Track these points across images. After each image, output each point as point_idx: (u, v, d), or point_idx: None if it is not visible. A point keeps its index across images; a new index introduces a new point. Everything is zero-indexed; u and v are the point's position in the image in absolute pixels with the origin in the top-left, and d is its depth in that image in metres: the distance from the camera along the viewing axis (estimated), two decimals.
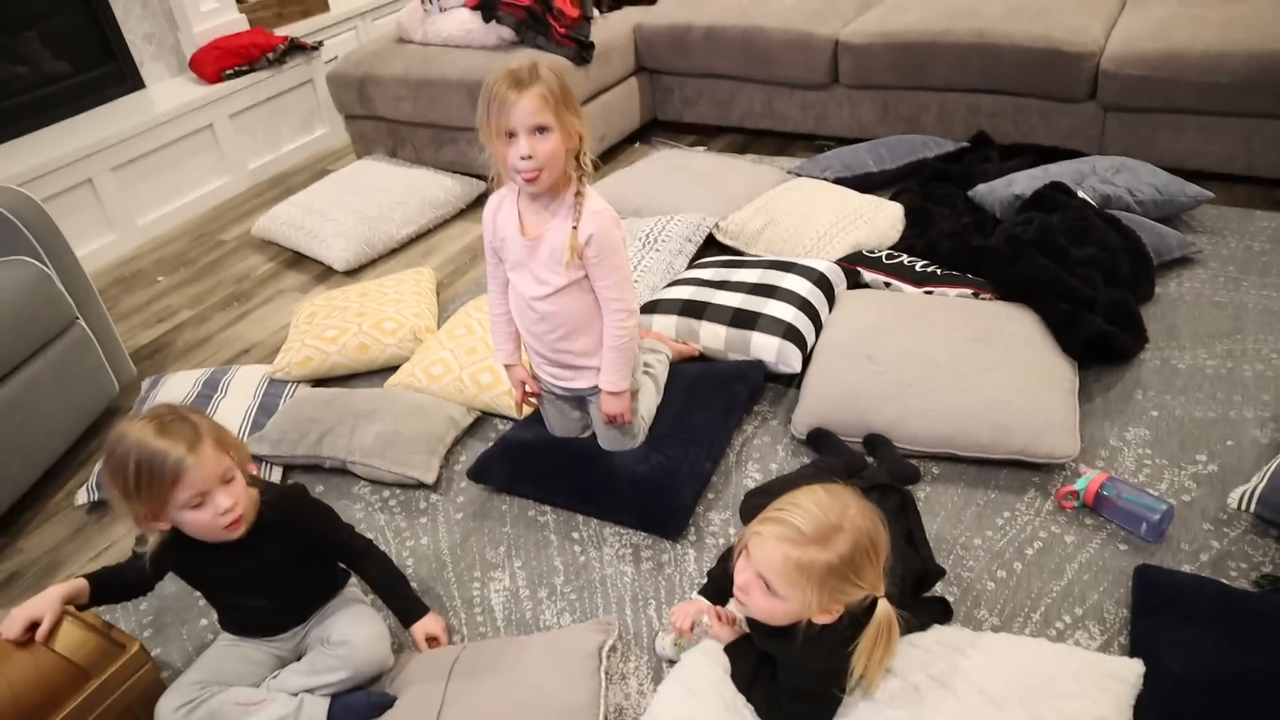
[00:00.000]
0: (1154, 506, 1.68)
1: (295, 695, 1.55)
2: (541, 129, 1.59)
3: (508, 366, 1.94)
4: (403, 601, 1.65)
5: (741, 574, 1.33)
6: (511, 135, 1.60)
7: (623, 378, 1.82)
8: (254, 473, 1.59)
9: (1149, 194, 2.55)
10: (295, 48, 3.92)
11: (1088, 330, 2.05)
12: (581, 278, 1.74)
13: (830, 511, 1.26)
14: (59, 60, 3.59)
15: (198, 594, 1.85)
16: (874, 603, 1.29)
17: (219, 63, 3.74)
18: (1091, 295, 2.13)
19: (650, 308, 2.27)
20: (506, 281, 1.84)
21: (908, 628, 1.41)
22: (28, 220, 2.25)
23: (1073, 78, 2.81)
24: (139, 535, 1.47)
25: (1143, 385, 2.06)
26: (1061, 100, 2.90)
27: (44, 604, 1.49)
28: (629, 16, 3.49)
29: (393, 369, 2.39)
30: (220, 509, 1.41)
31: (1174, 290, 2.36)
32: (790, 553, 1.25)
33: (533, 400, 1.97)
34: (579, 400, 1.94)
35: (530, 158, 1.60)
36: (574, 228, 1.68)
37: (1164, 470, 1.84)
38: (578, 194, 1.69)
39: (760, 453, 2.02)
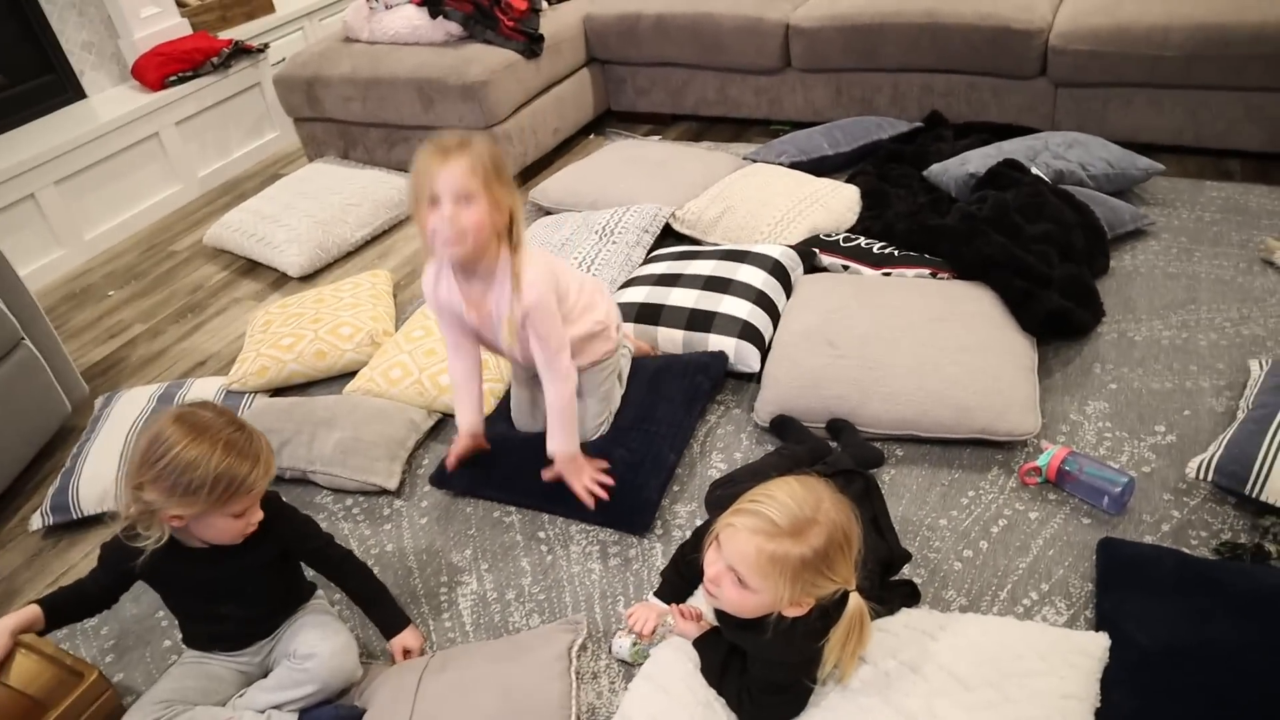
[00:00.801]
0: (1115, 479, 1.69)
1: (263, 712, 1.52)
2: (467, 197, 1.55)
3: (469, 434, 1.90)
4: (384, 613, 1.64)
5: (712, 566, 1.31)
6: (434, 202, 1.56)
7: (572, 439, 1.78)
8: None
9: (1101, 168, 2.57)
10: (240, 51, 3.85)
11: (1045, 306, 2.06)
12: None
13: (804, 504, 1.25)
14: None
15: (160, 614, 1.82)
16: (845, 595, 1.28)
17: (162, 69, 3.66)
18: (1047, 271, 2.14)
19: None
20: (460, 344, 1.83)
21: (876, 614, 1.41)
22: None
23: (1022, 55, 2.83)
24: (128, 532, 1.45)
25: (1101, 359, 2.08)
26: (1012, 78, 2.91)
27: None
28: (578, 7, 3.46)
29: (352, 374, 2.35)
30: (252, 520, 1.46)
31: (1129, 263, 2.38)
32: (764, 545, 1.24)
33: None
34: None
35: (451, 222, 1.55)
36: (511, 309, 1.67)
37: (1124, 442, 1.85)
38: (514, 272, 1.65)
39: (724, 442, 2.01)
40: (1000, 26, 2.81)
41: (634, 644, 1.56)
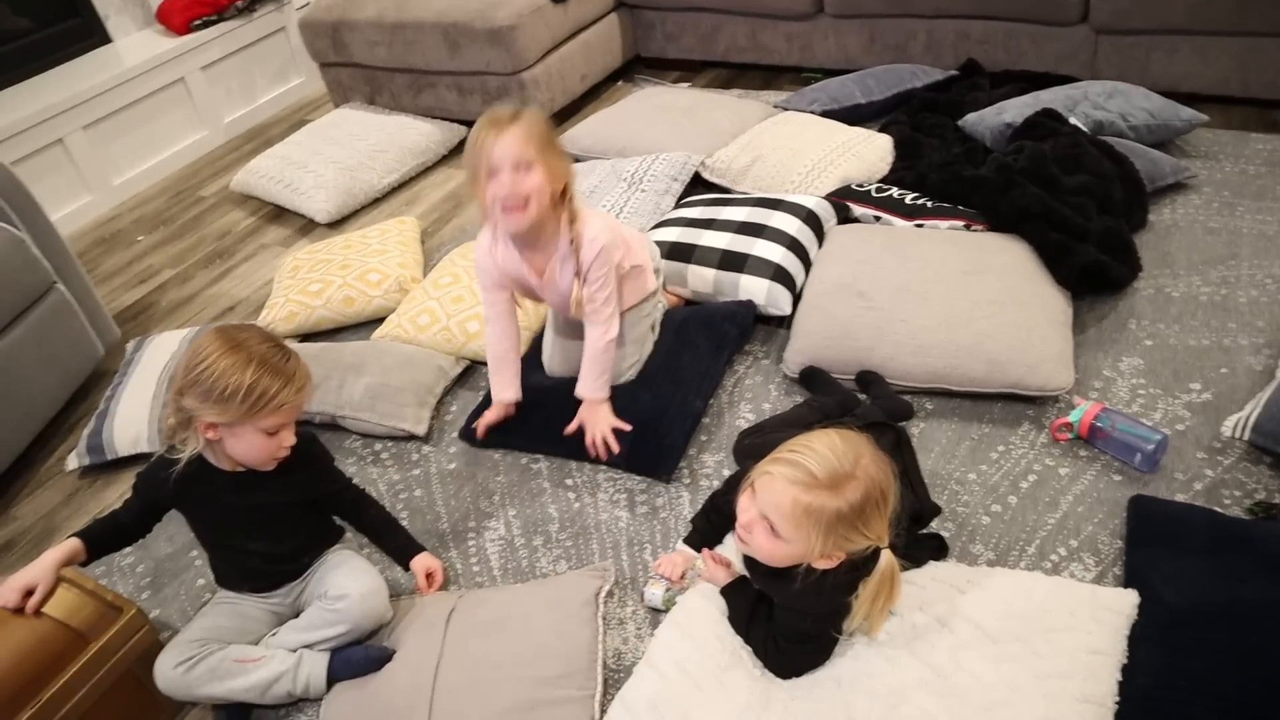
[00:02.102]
0: (1148, 437, 1.67)
1: (294, 651, 1.55)
2: (524, 165, 1.60)
3: (505, 405, 1.93)
4: (399, 540, 1.68)
5: (745, 513, 1.31)
6: (493, 173, 1.60)
7: (603, 385, 1.83)
8: None
9: (1142, 119, 2.50)
10: None
11: (1081, 260, 2.02)
12: None
13: (844, 458, 1.24)
14: (19, 16, 3.48)
15: (194, 553, 1.85)
16: (876, 551, 1.28)
17: (187, 12, 3.63)
18: (1084, 224, 2.10)
19: None
20: (503, 313, 1.86)
21: (904, 568, 1.41)
22: None
23: (1063, 0, 2.75)
24: (168, 447, 1.51)
25: (1137, 314, 2.04)
26: (1052, 24, 2.83)
27: (38, 571, 1.49)
28: None
29: (379, 321, 2.36)
30: (285, 443, 1.48)
31: (1168, 217, 2.33)
32: (800, 496, 1.23)
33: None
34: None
35: (513, 192, 1.60)
36: (576, 275, 1.72)
37: (1158, 400, 1.83)
38: (572, 240, 1.71)
39: (752, 392, 2.00)
40: None
41: (666, 590, 1.57)
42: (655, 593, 1.58)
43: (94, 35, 3.68)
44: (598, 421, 1.82)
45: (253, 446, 1.46)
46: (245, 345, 1.44)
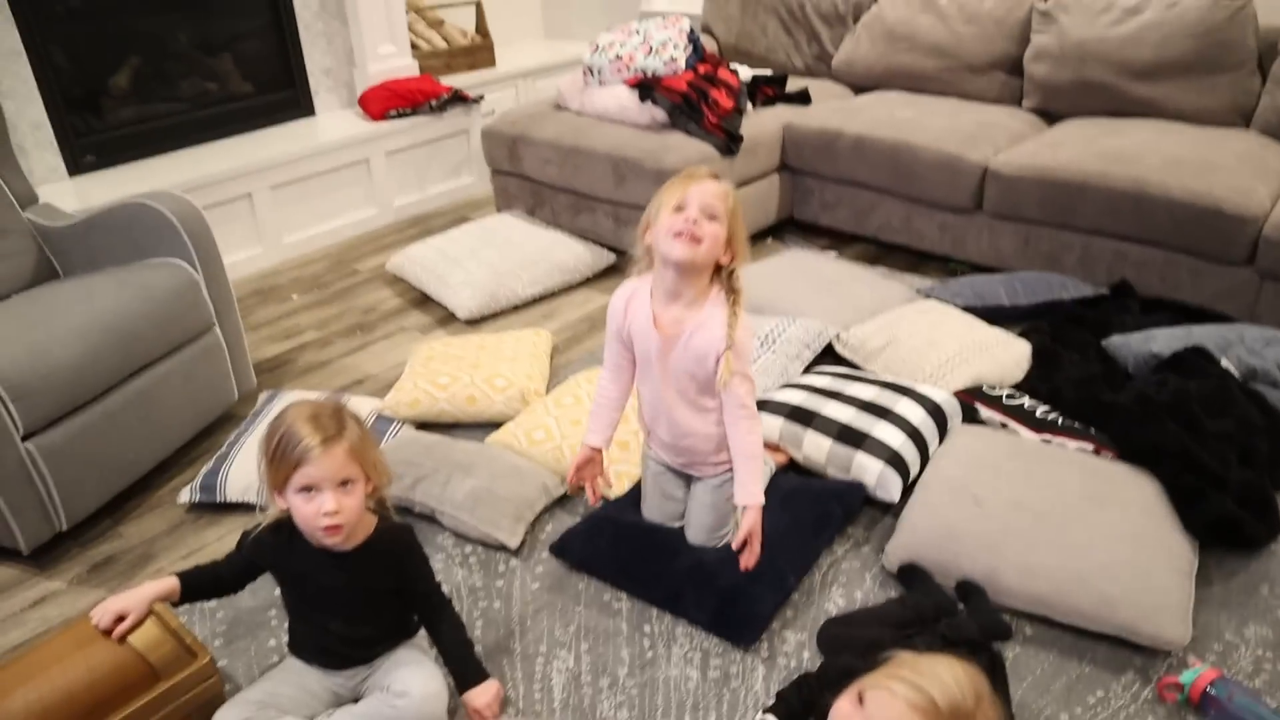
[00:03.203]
0: (1269, 719, 1.55)
1: None
2: (712, 214, 1.64)
3: (592, 448, 1.92)
4: (464, 665, 1.64)
5: (848, 719, 1.26)
6: (681, 208, 1.65)
7: (760, 489, 1.77)
8: (385, 501, 1.63)
9: None
10: (458, 98, 4.11)
11: (1215, 510, 1.93)
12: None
13: (967, 694, 1.20)
14: (245, 81, 3.88)
15: (273, 611, 1.90)
16: None
17: (385, 103, 3.95)
18: (1223, 473, 2.01)
19: (759, 407, 2.25)
20: (621, 366, 1.86)
21: None
22: (189, 227, 2.40)
23: (1231, 239, 2.70)
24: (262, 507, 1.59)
25: (1270, 580, 1.92)
26: (1215, 261, 2.78)
27: (134, 600, 1.56)
28: (780, 115, 3.53)
29: (496, 425, 2.42)
30: (324, 508, 1.46)
31: None
32: None
33: (582, 490, 1.95)
34: (685, 479, 1.93)
35: (696, 233, 1.62)
36: (728, 348, 1.67)
37: None
38: (734, 306, 1.68)
39: (847, 578, 1.96)
40: (1211, 207, 2.70)
41: None
42: None
43: (301, 107, 4.04)
44: (759, 528, 1.76)
45: (298, 512, 1.49)
46: (307, 406, 1.50)
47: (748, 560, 1.76)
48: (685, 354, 1.72)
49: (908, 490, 2.08)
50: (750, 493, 1.75)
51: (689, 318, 1.71)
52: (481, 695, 1.62)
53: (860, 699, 1.25)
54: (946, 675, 1.21)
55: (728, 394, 1.72)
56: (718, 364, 1.68)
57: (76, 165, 3.44)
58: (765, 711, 1.56)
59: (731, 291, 1.70)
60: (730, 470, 1.87)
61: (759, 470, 1.77)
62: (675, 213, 1.64)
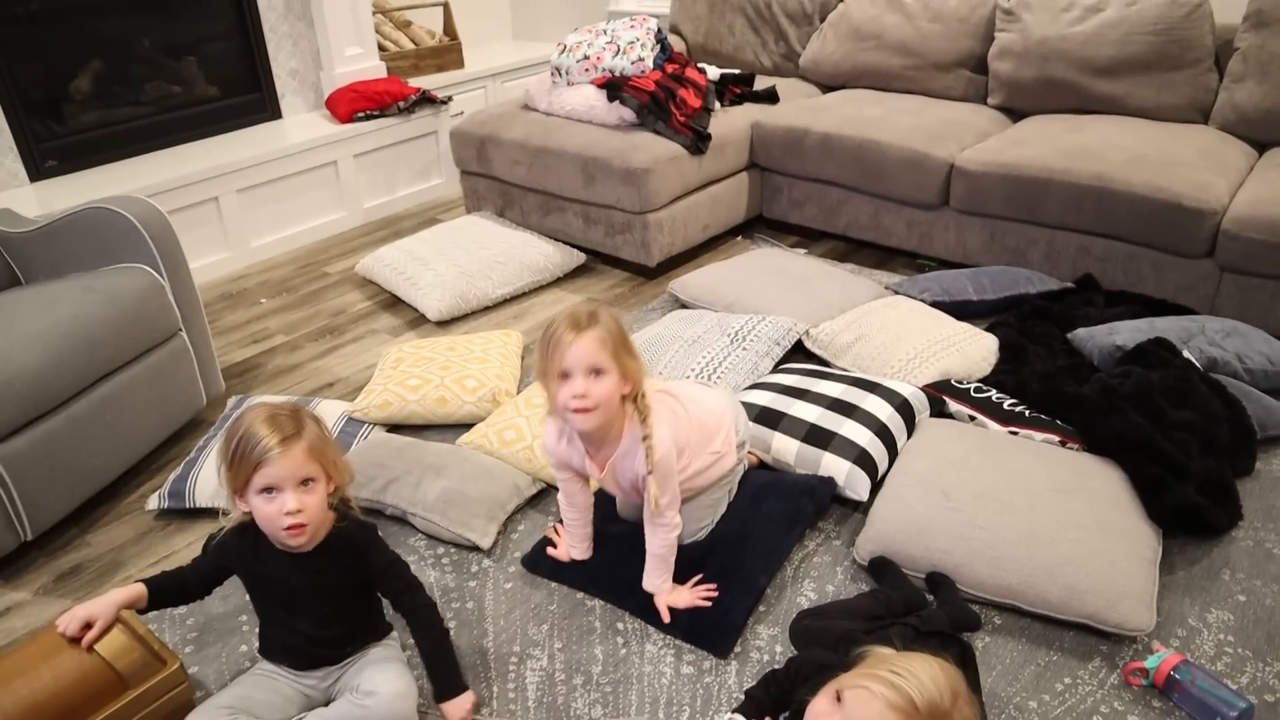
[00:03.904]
0: (1231, 701, 1.58)
1: None
2: (597, 371, 1.61)
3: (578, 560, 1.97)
4: (443, 672, 1.63)
5: (826, 718, 1.27)
6: (565, 375, 1.61)
7: (666, 580, 1.84)
8: (348, 500, 1.63)
9: (1260, 363, 2.45)
10: (426, 100, 4.10)
11: (1177, 499, 1.96)
12: None
13: (944, 693, 1.21)
14: (210, 84, 3.84)
15: (243, 617, 1.88)
16: None
17: (353, 105, 3.93)
18: (1185, 462, 2.04)
19: None
20: (573, 491, 1.89)
21: None
22: (153, 231, 2.37)
23: (1191, 234, 2.75)
24: (224, 511, 1.58)
25: (1231, 566, 1.96)
26: (1176, 254, 2.83)
27: (101, 607, 1.54)
28: (749, 113, 3.55)
29: (467, 427, 2.42)
30: (285, 507, 1.46)
31: (1277, 468, 2.25)
32: None
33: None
34: None
35: (583, 396, 1.61)
36: (649, 474, 1.70)
37: (1246, 662, 1.73)
38: (645, 437, 1.69)
39: (818, 571, 1.97)
40: (1171, 202, 2.74)
41: None
42: None
43: (268, 110, 4.01)
44: (677, 601, 1.83)
45: (260, 514, 1.49)
46: (265, 408, 1.50)
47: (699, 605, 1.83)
48: (621, 477, 1.78)
49: (878, 485, 2.09)
50: (652, 584, 1.84)
51: (613, 450, 1.75)
52: (456, 709, 1.61)
53: (838, 698, 1.25)
54: (924, 674, 1.22)
55: (654, 510, 1.75)
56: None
57: (38, 170, 3.39)
58: (733, 712, 1.57)
59: (641, 412, 1.70)
60: (711, 484, 1.90)
61: (665, 566, 1.83)
62: (562, 381, 1.62)
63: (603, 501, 2.03)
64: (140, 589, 1.59)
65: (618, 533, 1.98)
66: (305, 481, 1.48)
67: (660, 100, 3.30)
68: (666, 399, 1.83)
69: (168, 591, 1.62)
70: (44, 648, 1.53)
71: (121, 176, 3.39)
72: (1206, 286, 2.82)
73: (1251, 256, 2.68)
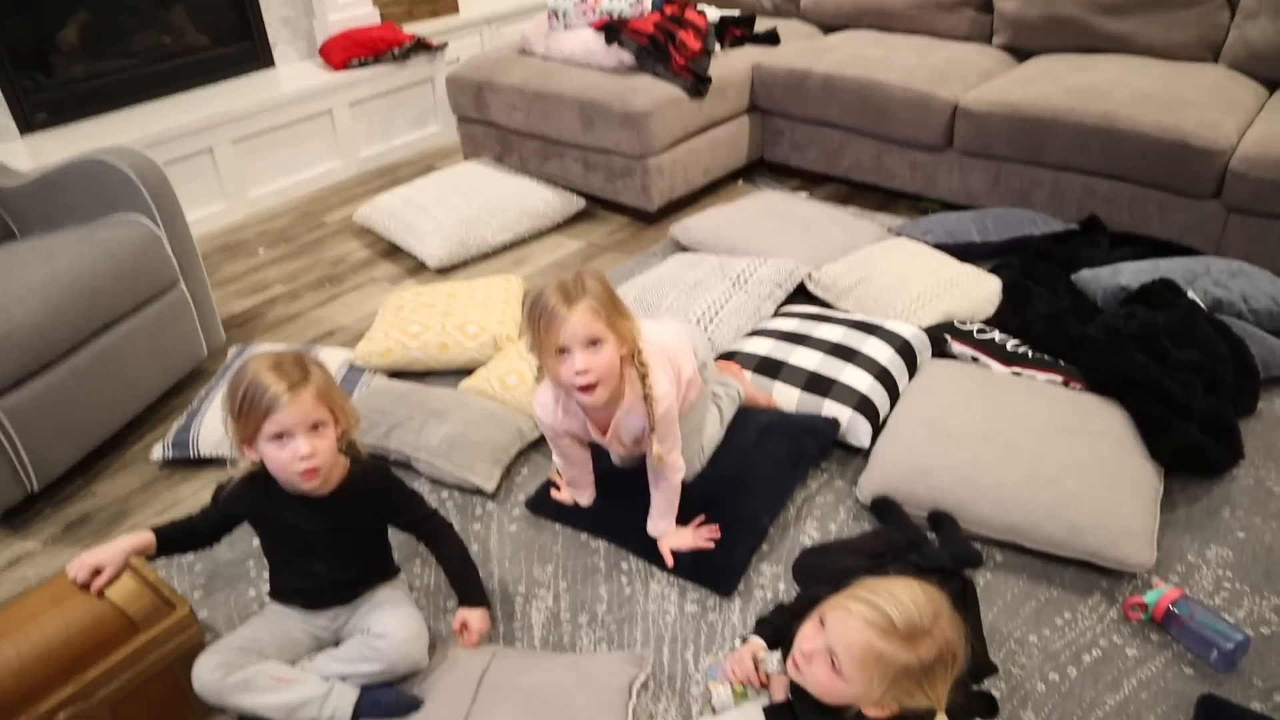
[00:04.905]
0: (1228, 634, 1.60)
1: (327, 679, 1.56)
2: (594, 341, 1.56)
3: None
4: (465, 583, 1.68)
5: (810, 642, 1.29)
6: (563, 351, 1.57)
7: (670, 523, 1.84)
8: (354, 444, 1.63)
9: (1265, 304, 2.44)
10: (421, 46, 4.03)
11: (1180, 438, 1.96)
12: None
13: (924, 612, 1.23)
14: (201, 33, 3.77)
15: (251, 563, 1.90)
16: (931, 712, 1.24)
17: (347, 52, 3.87)
18: (1188, 401, 2.04)
19: (728, 357, 2.26)
20: (569, 451, 1.87)
21: None
22: (148, 182, 2.35)
23: (1198, 173, 2.72)
24: (231, 460, 1.58)
25: (1232, 503, 1.96)
26: (1182, 195, 2.80)
27: (110, 554, 1.55)
28: (749, 55, 3.49)
29: (468, 372, 2.42)
30: (298, 453, 1.47)
31: (1279, 408, 2.25)
32: (875, 641, 1.22)
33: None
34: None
35: (586, 371, 1.56)
36: (651, 431, 1.69)
37: (1244, 597, 1.74)
38: (645, 395, 1.66)
39: (821, 511, 1.98)
40: (1179, 141, 2.70)
41: (736, 689, 1.53)
42: (723, 692, 1.53)
43: (260, 59, 3.95)
44: (681, 541, 1.83)
45: (272, 461, 1.49)
46: (269, 356, 1.49)
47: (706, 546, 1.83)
48: (625, 434, 1.76)
49: (876, 432, 2.10)
50: (656, 527, 1.83)
51: (615, 409, 1.71)
52: (475, 613, 1.66)
53: (822, 622, 1.28)
54: (903, 595, 1.24)
55: (658, 449, 1.73)
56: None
57: (28, 124, 3.35)
58: (752, 633, 1.58)
59: (639, 369, 1.67)
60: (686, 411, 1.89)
61: (669, 509, 1.82)
62: (560, 356, 1.57)
63: (600, 447, 2.04)
64: (148, 536, 1.60)
65: (620, 474, 1.99)
66: (315, 426, 1.49)
67: (659, 43, 3.24)
68: (658, 345, 1.79)
69: (176, 539, 1.64)
70: (55, 594, 1.54)
71: (114, 128, 3.34)
72: (1213, 228, 2.80)
73: (1259, 197, 2.65)
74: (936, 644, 1.21)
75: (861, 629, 1.22)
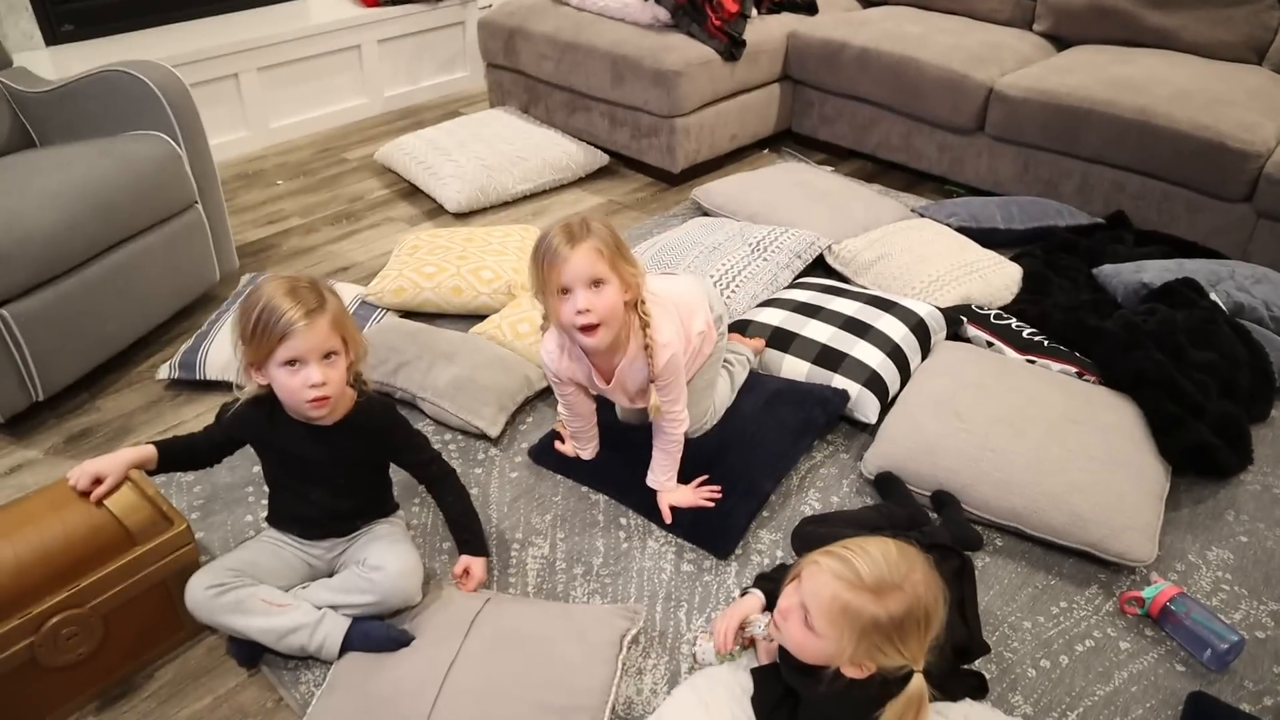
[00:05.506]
0: (1223, 634, 1.59)
1: (320, 608, 1.57)
2: (597, 282, 1.55)
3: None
4: (466, 532, 1.68)
5: (787, 599, 1.30)
6: (565, 291, 1.56)
7: (670, 478, 1.83)
8: (361, 376, 1.61)
9: None
10: None
11: (1191, 437, 1.95)
12: None
13: (895, 568, 1.23)
14: None
15: (250, 489, 1.90)
16: (910, 674, 1.24)
17: None
18: (1202, 402, 2.02)
19: (741, 327, 2.24)
20: (574, 400, 1.85)
21: (936, 698, 1.36)
22: (172, 99, 2.32)
23: (1231, 175, 2.68)
24: (237, 384, 1.57)
25: (1236, 507, 1.95)
26: (1213, 196, 2.76)
27: (111, 464, 1.55)
28: (785, 23, 3.44)
29: (480, 318, 2.40)
30: (310, 380, 1.46)
31: None
32: (841, 593, 1.22)
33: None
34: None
35: (587, 311, 1.55)
36: (651, 381, 1.69)
37: (1241, 600, 1.74)
38: (646, 345, 1.65)
39: (824, 482, 1.97)
40: (1215, 141, 2.66)
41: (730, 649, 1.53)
42: (708, 648, 1.53)
43: None
44: (680, 500, 1.83)
45: (282, 388, 1.48)
46: (284, 280, 1.47)
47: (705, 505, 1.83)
48: (630, 384, 1.75)
49: (885, 409, 2.08)
50: (657, 480, 1.82)
51: (619, 357, 1.70)
52: (477, 561, 1.66)
53: (799, 579, 1.29)
54: (875, 550, 1.25)
55: (661, 401, 1.72)
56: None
57: (54, 34, 3.32)
58: (753, 586, 1.58)
59: (642, 318, 1.65)
60: (701, 365, 1.88)
61: (671, 461, 1.81)
62: (563, 297, 1.56)
63: (605, 401, 2.03)
64: (150, 450, 1.60)
65: (625, 428, 1.98)
66: (328, 355, 1.47)
67: (697, 2, 3.19)
68: (666, 298, 1.78)
69: (177, 455, 1.63)
70: (54, 499, 1.54)
71: (140, 45, 3.31)
72: (1240, 231, 2.76)
73: None
74: (907, 600, 1.21)
75: (829, 581, 1.23)
